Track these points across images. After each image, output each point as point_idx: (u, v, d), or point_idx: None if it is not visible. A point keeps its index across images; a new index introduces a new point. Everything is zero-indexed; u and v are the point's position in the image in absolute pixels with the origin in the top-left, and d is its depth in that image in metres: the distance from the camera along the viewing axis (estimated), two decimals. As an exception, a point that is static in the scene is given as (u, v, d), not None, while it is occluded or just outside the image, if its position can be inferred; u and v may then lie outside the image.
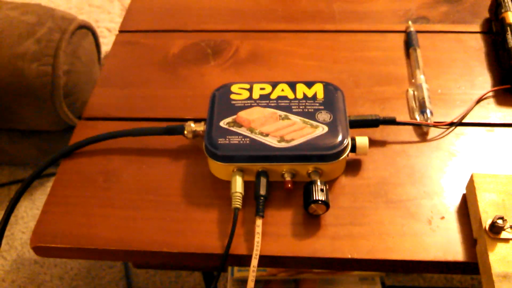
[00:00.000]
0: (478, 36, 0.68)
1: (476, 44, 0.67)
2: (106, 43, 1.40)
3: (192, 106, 0.61)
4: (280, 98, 0.54)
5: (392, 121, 0.55)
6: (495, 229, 0.44)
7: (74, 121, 1.19)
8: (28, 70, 1.09)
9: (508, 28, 0.62)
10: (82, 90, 1.18)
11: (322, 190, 0.48)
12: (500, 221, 0.44)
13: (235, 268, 0.83)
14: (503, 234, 0.44)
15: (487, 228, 0.44)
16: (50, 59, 1.12)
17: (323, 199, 0.47)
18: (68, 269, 1.14)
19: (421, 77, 0.60)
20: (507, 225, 0.44)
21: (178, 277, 1.09)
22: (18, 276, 1.17)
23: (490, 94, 0.60)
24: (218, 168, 0.52)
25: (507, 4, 0.65)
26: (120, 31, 0.72)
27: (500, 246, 0.44)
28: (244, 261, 0.48)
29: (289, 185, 0.50)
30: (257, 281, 0.84)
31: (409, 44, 0.66)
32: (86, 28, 1.23)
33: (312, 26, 0.71)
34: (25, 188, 0.54)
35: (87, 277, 1.13)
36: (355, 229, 0.49)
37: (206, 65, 0.66)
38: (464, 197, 0.51)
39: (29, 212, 1.26)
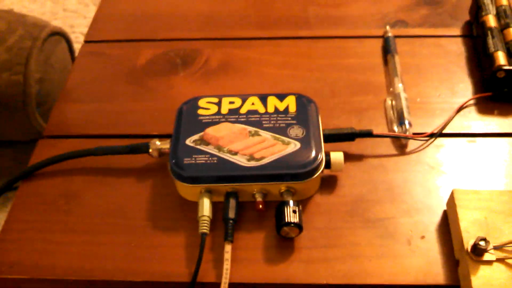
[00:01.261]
0: (459, 40, 0.65)
1: (457, 49, 0.64)
2: (82, 49, 1.36)
3: (160, 121, 0.58)
4: (250, 112, 0.51)
5: (368, 134, 0.52)
6: (478, 251, 0.41)
7: (48, 131, 1.15)
8: (-2, 80, 1.05)
9: (489, 32, 0.60)
10: (55, 99, 1.14)
11: (294, 211, 0.45)
12: (482, 243, 0.41)
13: None
14: (486, 256, 0.41)
15: (469, 249, 0.42)
16: (21, 67, 1.08)
17: (296, 222, 0.45)
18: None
19: (399, 86, 0.58)
20: (490, 246, 0.41)
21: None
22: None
23: (471, 102, 0.58)
24: (184, 190, 0.49)
25: (487, 7, 0.63)
26: (86, 41, 0.69)
27: (483, 269, 0.41)
28: (213, 289, 0.45)
29: (261, 206, 0.47)
30: None
31: (386, 51, 0.63)
32: (59, 35, 1.19)
33: (286, 32, 0.68)
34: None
35: None
36: (331, 252, 0.46)
37: (175, 76, 0.63)
38: (445, 214, 0.48)
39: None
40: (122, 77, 0.63)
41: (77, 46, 1.27)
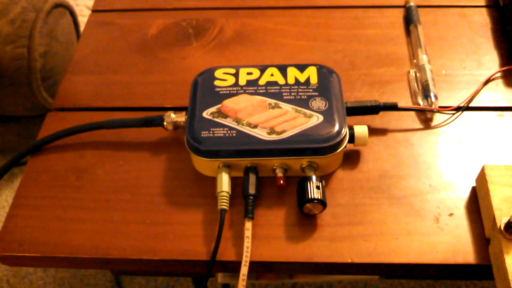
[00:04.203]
0: (484, 10, 0.62)
1: (482, 20, 0.61)
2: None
3: (173, 93, 0.55)
4: (269, 84, 0.49)
5: (393, 107, 0.50)
6: (511, 229, 0.39)
7: (53, 106, 1.12)
8: (2, 53, 1.03)
9: (517, 1, 0.57)
10: (60, 73, 1.12)
11: (318, 187, 0.43)
12: (517, 221, 0.39)
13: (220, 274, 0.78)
14: (520, 234, 0.39)
15: (502, 228, 0.40)
16: (25, 40, 1.05)
17: (319, 198, 0.43)
18: (52, 261, 1.09)
19: (423, 57, 0.55)
20: (525, 224, 0.39)
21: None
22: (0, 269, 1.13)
23: (499, 74, 0.55)
24: (202, 164, 0.47)
25: (515, -25, 0.59)
26: (94, 11, 0.66)
27: (517, 247, 0.39)
28: (233, 267, 0.43)
29: (281, 182, 0.45)
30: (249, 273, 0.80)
31: (409, 21, 0.60)
32: (63, 7, 1.16)
33: (303, 1, 0.65)
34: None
35: (73, 269, 1.08)
36: (355, 229, 0.44)
37: (187, 47, 0.60)
38: (474, 190, 0.46)
39: (10, 201, 1.20)
40: (132, 48, 0.61)
41: (81, 20, 1.24)
